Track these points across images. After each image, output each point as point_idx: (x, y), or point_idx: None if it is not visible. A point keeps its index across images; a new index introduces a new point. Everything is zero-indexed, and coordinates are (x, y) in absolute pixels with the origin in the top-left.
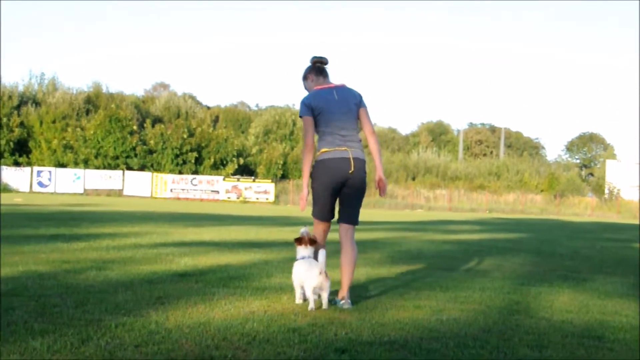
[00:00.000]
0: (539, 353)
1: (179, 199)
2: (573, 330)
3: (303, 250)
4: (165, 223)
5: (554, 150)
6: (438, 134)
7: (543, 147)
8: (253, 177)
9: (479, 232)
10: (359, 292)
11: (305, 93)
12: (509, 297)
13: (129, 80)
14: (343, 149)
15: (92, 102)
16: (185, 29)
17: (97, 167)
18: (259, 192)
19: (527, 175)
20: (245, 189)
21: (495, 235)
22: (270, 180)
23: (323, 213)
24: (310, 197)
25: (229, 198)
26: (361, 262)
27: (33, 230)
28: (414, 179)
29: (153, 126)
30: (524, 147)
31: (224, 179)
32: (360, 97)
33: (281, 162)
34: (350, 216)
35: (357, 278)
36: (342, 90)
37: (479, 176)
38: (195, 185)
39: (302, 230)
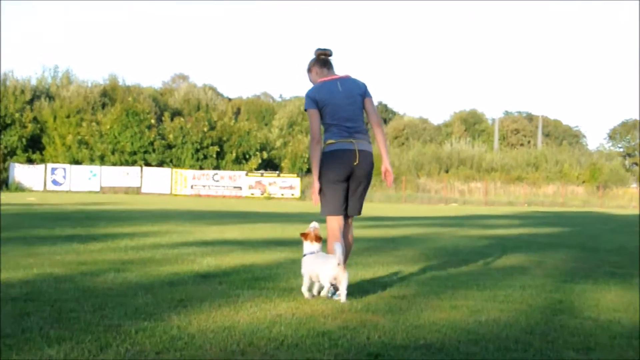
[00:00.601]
0: (586, 355)
1: (199, 195)
2: (621, 331)
3: (310, 246)
4: (186, 221)
5: (596, 138)
6: (472, 124)
7: (584, 136)
8: (277, 172)
9: (517, 226)
10: (391, 292)
11: (311, 85)
12: (552, 296)
13: (146, 72)
14: (349, 140)
15: (108, 95)
16: (205, 17)
17: (114, 164)
18: (284, 187)
19: (567, 166)
20: (270, 184)
21: (535, 230)
22: (295, 175)
23: (334, 207)
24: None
25: (252, 194)
26: (393, 260)
27: (48, 230)
28: (447, 171)
29: (172, 120)
30: (563, 136)
31: (246, 174)
32: (365, 87)
33: (307, 156)
34: (353, 208)
35: (391, 277)
36: (347, 81)
37: (516, 167)
38: (217, 181)
39: (312, 225)
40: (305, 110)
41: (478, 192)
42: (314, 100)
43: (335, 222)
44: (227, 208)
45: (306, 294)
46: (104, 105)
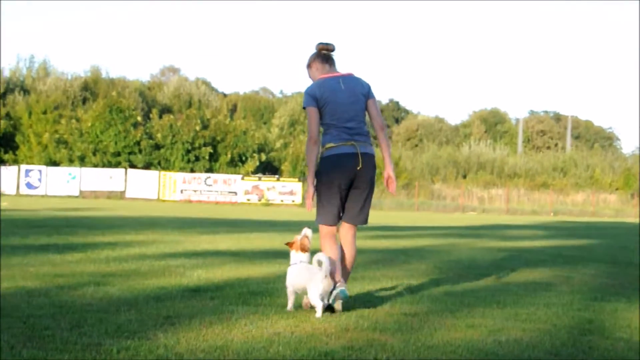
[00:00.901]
0: None
1: (190, 201)
2: None
3: (296, 256)
4: (175, 230)
5: (631, 141)
6: (493, 124)
7: (617, 138)
8: (277, 176)
9: (542, 238)
10: (401, 309)
11: (310, 83)
12: (580, 315)
13: (132, 64)
14: (350, 143)
15: (90, 89)
16: (198, 3)
17: (95, 165)
18: (283, 193)
19: (598, 171)
20: (268, 189)
21: (562, 242)
22: (297, 180)
23: (330, 216)
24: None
25: (248, 200)
26: (404, 274)
27: (20, 239)
28: (464, 176)
29: (160, 117)
30: (594, 139)
31: (242, 178)
32: (369, 87)
33: None
34: (355, 215)
35: (401, 293)
36: (350, 79)
37: (541, 172)
38: (210, 185)
39: (303, 232)
40: (304, 108)
41: (499, 200)
42: (314, 97)
43: (329, 231)
44: (220, 215)
45: (288, 306)
46: (84, 101)
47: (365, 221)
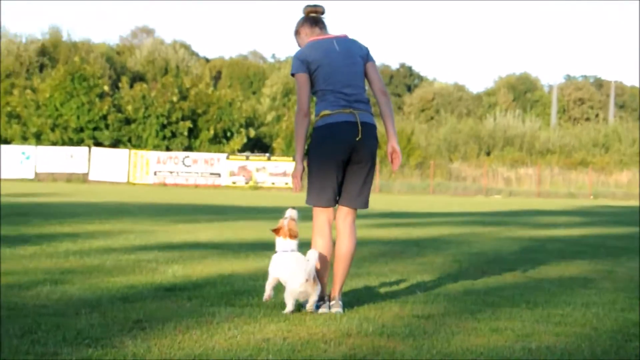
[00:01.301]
0: None
1: (165, 184)
2: None
3: (283, 243)
4: (147, 218)
5: None
6: (522, 92)
7: None
8: (268, 155)
9: (580, 225)
10: (413, 311)
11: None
12: (624, 316)
13: (98, 25)
14: (348, 111)
15: (48, 54)
16: None
17: (54, 143)
18: (275, 174)
19: None
20: (257, 170)
21: (603, 230)
22: (291, 159)
23: (324, 196)
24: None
25: (234, 183)
26: (416, 269)
27: None
28: (488, 153)
29: (131, 86)
30: None
31: (227, 158)
32: (367, 50)
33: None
34: (354, 198)
35: (412, 291)
36: (345, 40)
37: (579, 148)
38: (189, 166)
39: (287, 213)
40: (292, 75)
41: (529, 181)
42: (304, 61)
43: (324, 216)
44: (201, 201)
45: (266, 294)
46: (42, 68)
47: (366, 204)
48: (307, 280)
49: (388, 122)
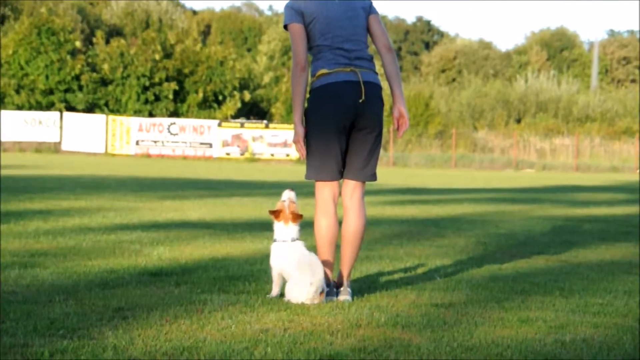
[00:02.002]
0: None
1: (149, 155)
2: None
3: (283, 229)
4: (129, 194)
5: None
6: (558, 50)
7: None
8: (265, 122)
9: (623, 203)
10: (431, 299)
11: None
12: None
13: None
14: (349, 69)
15: (10, 4)
16: None
17: (20, 108)
18: (274, 144)
19: None
20: (254, 139)
21: None
22: (291, 127)
23: (326, 168)
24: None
25: (228, 154)
26: (435, 252)
27: None
28: (519, 121)
29: (108, 42)
30: None
31: (220, 125)
32: (370, 2)
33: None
34: (360, 169)
35: (431, 277)
36: None
37: (624, 115)
38: (175, 134)
39: (285, 195)
40: (285, 26)
41: (565, 152)
42: (298, 11)
43: (328, 192)
44: (190, 174)
45: (274, 292)
46: (2, 20)
47: (374, 176)
48: (320, 293)
49: (394, 82)
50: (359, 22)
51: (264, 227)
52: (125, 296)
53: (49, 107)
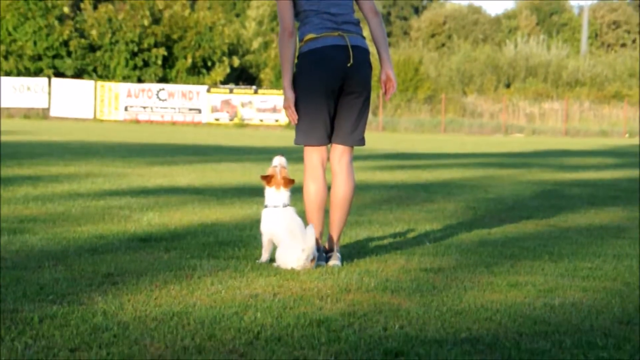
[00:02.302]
0: None
1: (137, 121)
2: None
3: (275, 195)
4: (118, 159)
5: None
6: (547, 14)
7: None
8: (254, 87)
9: (612, 167)
10: (420, 264)
11: None
12: None
13: None
14: (336, 34)
15: None
16: None
17: (8, 74)
18: (263, 109)
19: None
20: (243, 105)
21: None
22: (280, 92)
23: (315, 132)
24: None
25: (217, 120)
26: (425, 216)
27: None
28: (508, 85)
29: (96, 8)
30: None
31: (208, 91)
32: None
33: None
34: (348, 134)
35: (420, 242)
36: None
37: (613, 80)
38: (164, 100)
39: (275, 161)
40: None
41: (555, 117)
42: None
43: (316, 156)
44: (179, 140)
45: (263, 257)
46: None
47: (363, 140)
48: (311, 259)
49: (381, 46)
50: None
51: (253, 193)
52: (114, 262)
53: (37, 73)
